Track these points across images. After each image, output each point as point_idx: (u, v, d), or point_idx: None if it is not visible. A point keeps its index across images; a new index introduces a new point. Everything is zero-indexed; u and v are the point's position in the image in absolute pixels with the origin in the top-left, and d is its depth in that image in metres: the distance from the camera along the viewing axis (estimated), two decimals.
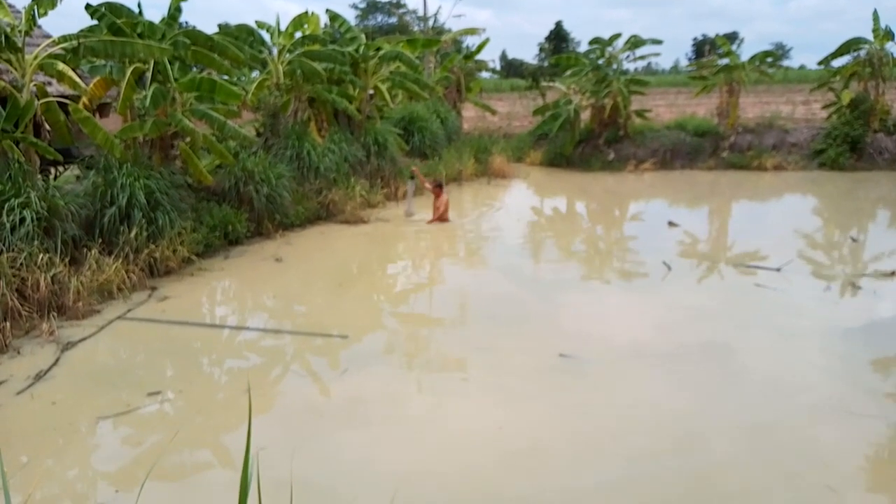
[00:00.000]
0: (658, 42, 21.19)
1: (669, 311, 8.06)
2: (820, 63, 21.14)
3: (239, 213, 11.17)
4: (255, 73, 15.16)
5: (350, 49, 15.01)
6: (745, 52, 41.92)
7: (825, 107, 21.25)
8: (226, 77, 12.08)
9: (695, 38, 66.22)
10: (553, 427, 5.35)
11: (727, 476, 4.67)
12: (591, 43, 21.41)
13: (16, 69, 8.72)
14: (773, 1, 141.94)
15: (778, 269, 9.51)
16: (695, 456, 4.94)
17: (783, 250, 10.40)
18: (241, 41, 12.35)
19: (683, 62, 66.06)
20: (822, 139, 20.18)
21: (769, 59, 21.61)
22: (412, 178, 13.58)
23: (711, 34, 45.97)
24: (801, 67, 48.99)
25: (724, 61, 20.87)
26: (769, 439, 5.14)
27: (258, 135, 13.68)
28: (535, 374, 6.31)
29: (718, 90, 21.10)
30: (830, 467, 4.73)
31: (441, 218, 12.87)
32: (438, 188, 13.07)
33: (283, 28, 14.18)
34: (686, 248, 11.49)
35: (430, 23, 28.53)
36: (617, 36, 21.00)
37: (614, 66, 21.08)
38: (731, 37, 26.51)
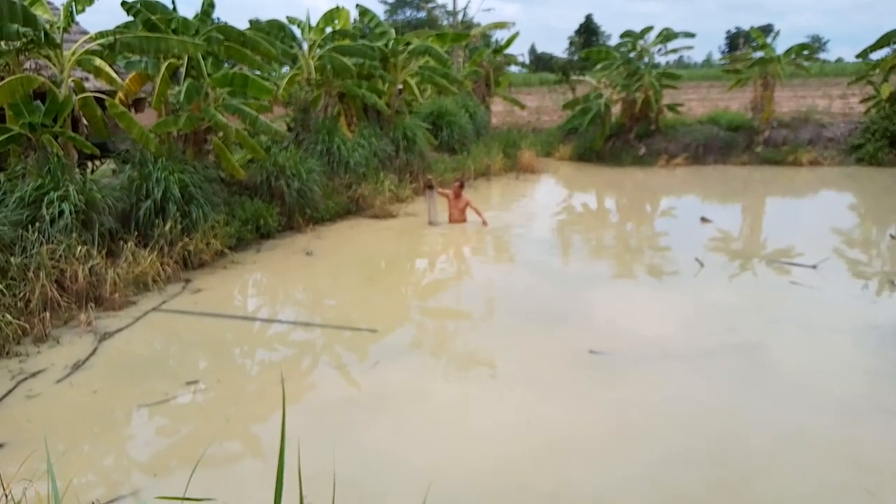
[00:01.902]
0: (691, 35, 20.87)
1: (701, 308, 7.96)
2: (858, 56, 20.58)
3: (270, 207, 11.31)
4: (285, 69, 15.27)
5: (380, 44, 15.06)
6: (781, 45, 41.12)
7: (863, 101, 20.73)
8: (257, 72, 12.20)
9: (728, 31, 65.19)
10: (582, 423, 5.33)
11: (760, 476, 4.60)
12: (622, 36, 21.18)
13: (55, 65, 8.91)
14: None
15: (814, 267, 9.32)
16: (726, 455, 4.87)
17: (819, 247, 10.19)
18: (272, 37, 12.49)
19: (716, 55, 65.10)
20: (860, 134, 19.70)
21: (805, 52, 21.13)
22: (430, 187, 12.81)
23: (745, 27, 45.19)
24: (839, 60, 47.87)
25: (759, 54, 20.45)
26: (803, 439, 5.06)
27: (289, 130, 13.79)
28: (564, 369, 6.28)
29: (752, 84, 20.71)
30: (868, 469, 4.63)
31: (458, 219, 12.46)
32: (460, 188, 12.62)
33: (313, 23, 14.28)
34: (719, 244, 11.31)
35: (460, 17, 28.46)
36: (649, 29, 20.74)
37: (646, 60, 20.83)
38: (766, 29, 26.04)
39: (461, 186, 12.68)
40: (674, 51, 22.13)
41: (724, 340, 6.90)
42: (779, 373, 6.20)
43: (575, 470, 4.71)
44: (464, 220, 12.47)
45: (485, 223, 12.22)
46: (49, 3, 10.29)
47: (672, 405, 5.59)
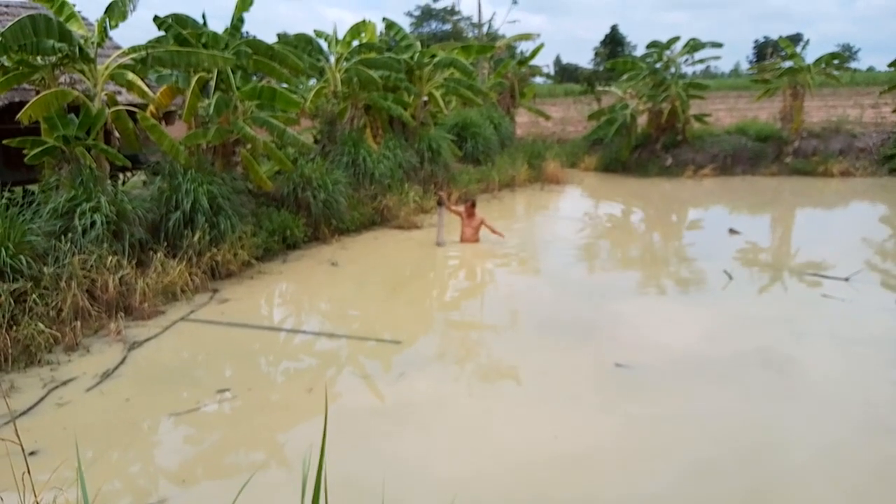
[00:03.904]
0: (718, 45, 20.73)
1: (730, 321, 7.83)
2: (890, 65, 20.26)
3: (297, 218, 11.41)
4: (312, 81, 15.46)
5: (405, 56, 15.16)
6: (810, 55, 40.56)
7: None
8: (285, 85, 12.36)
9: (756, 41, 64.46)
10: (608, 436, 5.27)
11: (790, 490, 4.50)
12: (648, 46, 21.08)
13: (88, 79, 9.11)
14: (839, 1, 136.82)
15: (846, 279, 9.13)
16: (755, 469, 4.77)
17: (850, 260, 9.98)
18: (299, 50, 12.64)
19: (744, 65, 64.32)
20: (892, 144, 19.34)
21: (836, 61, 20.82)
22: (440, 204, 12.16)
23: (773, 36, 44.64)
24: (870, 69, 47.03)
25: (788, 64, 20.20)
26: (836, 453, 4.95)
27: (316, 142, 13.94)
28: (589, 382, 6.22)
29: (781, 94, 20.45)
30: None
31: (470, 239, 11.76)
32: (472, 207, 11.88)
33: (340, 37, 14.44)
34: (748, 256, 11.15)
35: (485, 29, 28.59)
36: (675, 39, 20.62)
37: (672, 70, 20.70)
38: (795, 38, 25.64)
39: (473, 205, 11.96)
40: (701, 61, 21.98)
41: (752, 354, 6.78)
42: (810, 386, 6.08)
43: (600, 483, 4.65)
44: (477, 240, 11.77)
45: (501, 235, 11.68)
46: (83, 18, 10.54)
47: (700, 419, 5.50)
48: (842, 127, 20.76)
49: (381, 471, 4.73)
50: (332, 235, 12.06)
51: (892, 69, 20.34)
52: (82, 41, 8.85)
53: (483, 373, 6.68)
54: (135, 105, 10.40)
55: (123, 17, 9.43)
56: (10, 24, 7.62)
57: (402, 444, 5.19)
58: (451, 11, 55.27)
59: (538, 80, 29.46)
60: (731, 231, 12.55)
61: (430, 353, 7.24)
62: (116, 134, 9.64)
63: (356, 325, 8.23)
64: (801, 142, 20.02)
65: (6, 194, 7.84)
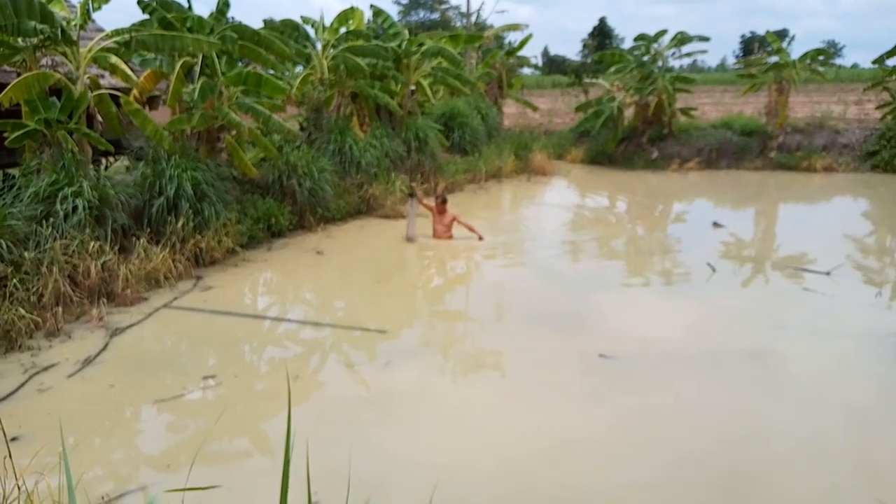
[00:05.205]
0: (705, 39, 20.83)
1: (713, 313, 7.91)
2: (874, 62, 20.44)
3: (282, 206, 11.34)
4: (299, 68, 15.33)
5: (393, 45, 15.09)
6: (796, 50, 40.84)
7: (879, 107, 20.56)
8: (271, 71, 12.24)
9: (743, 36, 64.87)
10: (591, 426, 5.30)
11: (770, 481, 4.56)
12: (636, 39, 21.14)
13: (71, 62, 8.97)
14: None
15: (827, 273, 9.25)
16: (736, 460, 4.83)
17: (832, 254, 10.11)
18: (286, 36, 12.52)
19: (730, 60, 64.73)
20: (875, 140, 19.56)
21: (821, 57, 21.02)
22: (412, 195, 11.57)
23: (759, 31, 44.92)
24: (854, 66, 47.57)
25: (774, 59, 20.35)
26: (816, 445, 5.02)
27: (302, 129, 13.83)
28: (573, 373, 6.26)
29: (767, 89, 20.61)
30: (880, 479, 4.59)
31: (443, 236, 11.34)
32: (443, 203, 11.37)
33: (327, 23, 14.32)
34: (731, 249, 11.25)
35: (473, 19, 28.49)
36: (663, 32, 20.70)
37: (659, 63, 20.78)
38: (782, 34, 25.74)
39: (444, 201, 11.43)
40: (688, 55, 22.15)
41: (735, 346, 6.86)
42: (791, 379, 6.15)
43: (583, 473, 4.68)
44: (450, 237, 11.33)
45: (480, 238, 11.11)
46: (66, 0, 10.37)
47: (682, 410, 5.55)
48: (826, 123, 20.97)
49: (364, 459, 4.74)
50: (318, 224, 12.00)
51: (876, 66, 20.53)
52: (64, 23, 8.70)
53: (468, 363, 6.69)
54: (118, 89, 10.27)
55: None
56: None
57: (386, 432, 5.19)
58: (440, 0, 55.03)
59: (526, 71, 29.53)
60: (715, 224, 12.65)
61: (415, 342, 7.24)
62: (99, 118, 9.52)
63: (341, 314, 8.21)
64: (786, 137, 20.20)
65: None
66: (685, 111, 21.07)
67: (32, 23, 8.04)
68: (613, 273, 10.06)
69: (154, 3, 9.87)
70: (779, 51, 20.17)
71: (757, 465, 4.75)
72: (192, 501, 2.37)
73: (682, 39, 20.58)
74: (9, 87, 8.21)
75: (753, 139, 20.46)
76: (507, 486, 4.52)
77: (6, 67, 9.26)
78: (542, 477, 4.62)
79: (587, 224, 14.06)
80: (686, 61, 28.96)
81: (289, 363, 6.66)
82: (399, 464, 4.75)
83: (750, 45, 46.67)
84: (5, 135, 8.78)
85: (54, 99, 8.91)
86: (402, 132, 15.27)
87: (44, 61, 9.06)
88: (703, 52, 48.96)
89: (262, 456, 5.05)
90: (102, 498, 4.23)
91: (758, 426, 5.29)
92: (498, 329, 7.66)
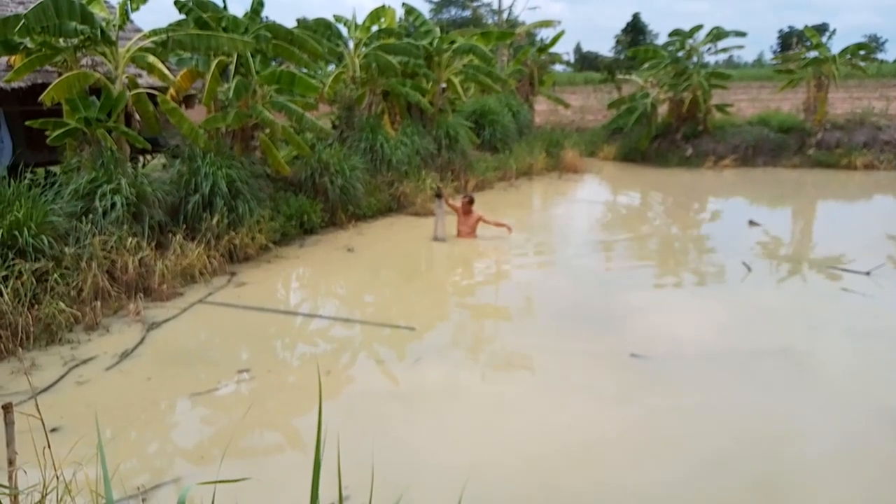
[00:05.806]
0: (742, 34, 20.42)
1: (747, 313, 7.76)
2: None
3: (314, 203, 11.46)
4: (331, 67, 15.46)
5: (424, 42, 15.11)
6: (836, 45, 39.77)
7: None
8: (304, 70, 12.36)
9: (780, 31, 63.51)
10: (621, 426, 5.25)
11: (803, 484, 4.47)
12: (670, 35, 20.85)
13: (110, 62, 9.18)
14: None
15: (867, 273, 9.01)
16: (768, 462, 4.74)
17: (872, 254, 9.84)
18: (319, 35, 12.61)
19: (767, 55, 63.34)
20: None
21: (862, 52, 20.44)
22: (439, 196, 11.49)
23: (796, 25, 43.92)
24: None
25: (813, 54, 19.86)
26: (851, 449, 4.90)
27: (334, 127, 13.95)
28: (605, 372, 6.21)
29: (805, 84, 20.14)
30: None
31: (467, 235, 11.35)
32: (469, 203, 11.39)
33: (359, 22, 14.40)
34: (767, 248, 11.03)
35: (505, 16, 28.39)
36: (698, 28, 20.36)
37: (694, 59, 20.45)
38: (821, 28, 25.08)
39: (471, 202, 11.43)
40: (724, 50, 21.70)
41: (769, 346, 6.72)
42: (827, 380, 6.02)
43: (613, 472, 4.65)
44: (474, 237, 11.36)
45: (509, 230, 11.28)
46: (105, 1, 10.60)
47: (714, 410, 5.47)
48: (867, 119, 20.40)
49: (394, 455, 4.77)
50: (349, 221, 12.10)
51: None
52: (104, 23, 8.91)
53: (497, 361, 6.68)
54: (155, 88, 10.47)
55: (145, 0, 9.47)
56: (32, 6, 7.68)
57: (415, 429, 5.22)
58: None
59: (558, 67, 29.24)
60: (751, 223, 12.42)
61: (445, 340, 7.26)
62: (137, 116, 9.72)
63: (371, 311, 8.26)
64: (825, 134, 19.72)
65: (29, 175, 7.93)
66: (721, 107, 20.72)
67: (73, 24, 8.24)
68: (646, 272, 9.93)
69: (190, 3, 10.04)
70: (818, 45, 19.69)
71: (788, 468, 4.66)
72: (224, 494, 2.41)
73: (718, 34, 20.22)
74: (51, 86, 8.44)
75: (791, 136, 20.02)
76: (536, 485, 4.50)
77: (48, 67, 9.52)
78: (570, 476, 4.60)
79: (619, 222, 13.92)
80: (721, 57, 28.49)
81: (320, 359, 6.73)
82: (428, 460, 4.76)
83: (788, 40, 45.65)
84: (47, 133, 9.02)
85: (94, 98, 9.13)
86: (433, 130, 15.29)
87: (84, 61, 9.29)
88: (740, 47, 48.21)
89: (292, 450, 5.11)
90: (138, 489, 4.32)
91: (791, 428, 5.19)
92: (528, 328, 7.63)
